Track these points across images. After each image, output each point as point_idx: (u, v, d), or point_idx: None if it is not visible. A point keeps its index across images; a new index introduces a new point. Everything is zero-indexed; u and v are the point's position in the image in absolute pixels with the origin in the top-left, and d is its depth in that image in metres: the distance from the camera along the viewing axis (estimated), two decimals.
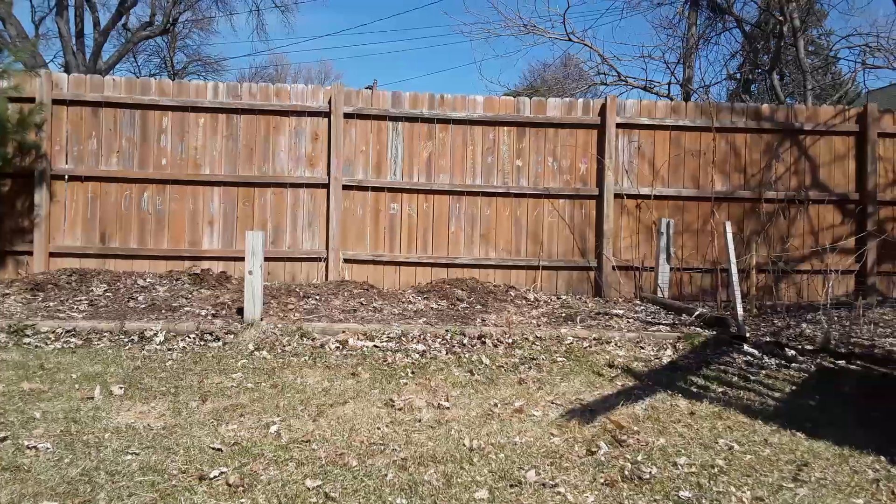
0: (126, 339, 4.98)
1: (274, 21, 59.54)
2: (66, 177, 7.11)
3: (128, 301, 6.11)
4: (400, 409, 3.60)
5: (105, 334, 5.04)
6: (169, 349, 4.80)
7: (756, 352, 5.09)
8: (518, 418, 3.50)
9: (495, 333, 5.27)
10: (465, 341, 5.15)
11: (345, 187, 7.42)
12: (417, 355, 4.81)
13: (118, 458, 2.87)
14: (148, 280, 6.75)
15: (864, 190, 7.75)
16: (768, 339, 5.48)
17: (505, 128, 7.65)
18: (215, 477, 2.72)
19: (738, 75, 18.42)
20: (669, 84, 16.78)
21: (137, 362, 4.41)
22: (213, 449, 2.98)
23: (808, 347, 5.25)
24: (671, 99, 15.77)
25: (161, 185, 7.26)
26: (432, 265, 7.56)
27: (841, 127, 7.86)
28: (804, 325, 5.94)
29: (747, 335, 5.41)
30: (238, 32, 61.03)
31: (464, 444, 3.11)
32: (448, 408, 3.64)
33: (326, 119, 7.44)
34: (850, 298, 7.01)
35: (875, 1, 26.14)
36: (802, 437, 3.34)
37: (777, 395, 4.17)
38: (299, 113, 7.45)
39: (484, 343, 5.12)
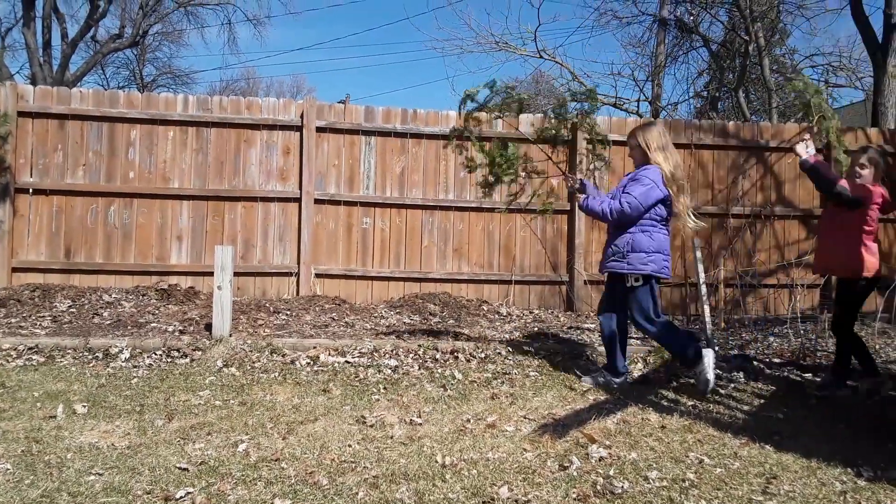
0: (90, 357, 4.87)
1: (246, 34, 59.46)
2: (31, 190, 6.97)
3: (93, 317, 5.98)
4: (371, 426, 3.56)
5: (69, 351, 4.92)
6: (135, 366, 4.70)
7: (725, 365, 5.14)
8: (491, 434, 3.49)
9: (468, 348, 5.26)
10: (437, 356, 5.13)
11: (317, 201, 7.38)
12: (390, 371, 4.78)
13: (81, 479, 2.79)
14: (114, 295, 6.62)
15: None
16: (736, 352, 5.55)
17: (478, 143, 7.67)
18: (181, 497, 2.66)
19: (706, 93, 18.79)
20: (639, 101, 17.08)
21: (102, 380, 4.31)
22: (180, 468, 2.92)
23: (776, 360, 5.32)
24: (640, 116, 16.01)
25: (128, 199, 7.15)
26: (405, 280, 7.54)
27: None
28: (771, 339, 6.03)
29: (716, 348, 5.46)
30: (209, 45, 60.65)
31: (436, 461, 3.08)
32: (420, 424, 3.61)
33: (298, 133, 7.40)
34: (816, 312, 7.14)
35: (836, 22, 26.90)
36: (771, 450, 3.38)
37: (746, 408, 4.22)
38: (271, 126, 7.41)
39: (457, 358, 5.10)
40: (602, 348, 5.41)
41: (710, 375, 4.38)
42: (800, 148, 4.40)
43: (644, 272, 4.30)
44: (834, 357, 4.72)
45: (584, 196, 4.51)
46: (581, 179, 4.66)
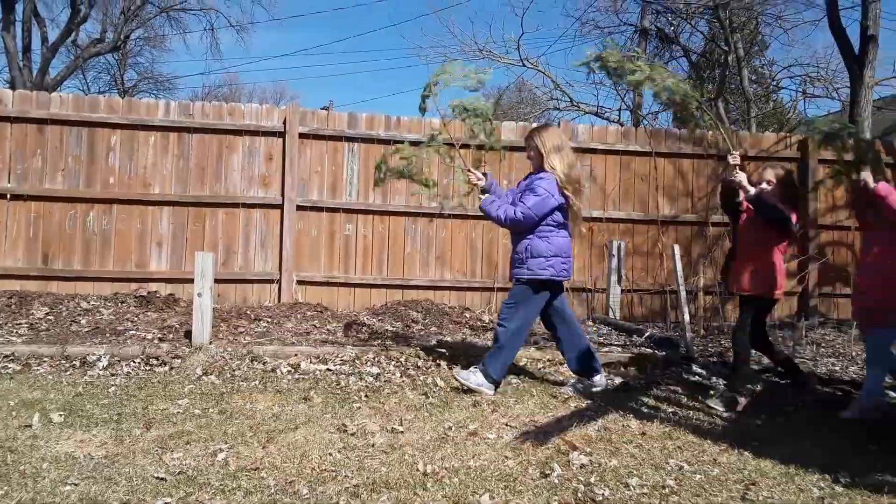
0: (67, 365, 4.81)
1: (229, 40, 59.26)
2: (9, 196, 6.88)
3: (70, 324, 5.91)
4: (353, 435, 3.54)
5: (45, 359, 4.86)
6: (112, 374, 4.65)
7: (704, 372, 5.18)
8: (472, 441, 3.48)
9: (450, 356, 5.25)
10: (419, 363, 5.12)
11: (299, 208, 7.35)
12: (371, 378, 4.76)
13: (56, 489, 2.75)
14: (92, 303, 6.55)
15: (805, 215, 8.02)
16: (716, 359, 5.60)
17: (461, 150, 7.69)
18: None
19: None
20: (620, 110, 17.25)
21: (79, 388, 4.25)
22: (157, 478, 2.88)
23: (755, 367, 5.37)
24: (621, 125, 16.16)
25: (108, 205, 7.08)
26: (387, 287, 7.53)
27: (783, 153, 8.15)
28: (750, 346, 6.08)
29: (696, 356, 5.51)
30: (192, 51, 60.45)
31: (417, 469, 3.07)
32: (402, 432, 3.60)
33: (281, 139, 7.38)
34: (794, 319, 7.22)
35: (814, 33, 27.34)
36: (750, 457, 3.40)
37: (725, 414, 4.25)
38: (253, 132, 7.38)
39: (439, 365, 5.09)
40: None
41: (489, 392, 4.40)
42: (742, 178, 4.36)
43: (542, 277, 4.34)
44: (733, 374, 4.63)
45: (485, 197, 4.53)
46: (490, 181, 4.65)
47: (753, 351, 4.60)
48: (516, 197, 4.45)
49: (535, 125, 4.77)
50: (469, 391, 4.40)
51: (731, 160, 4.40)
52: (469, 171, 4.72)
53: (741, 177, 4.34)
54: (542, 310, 4.56)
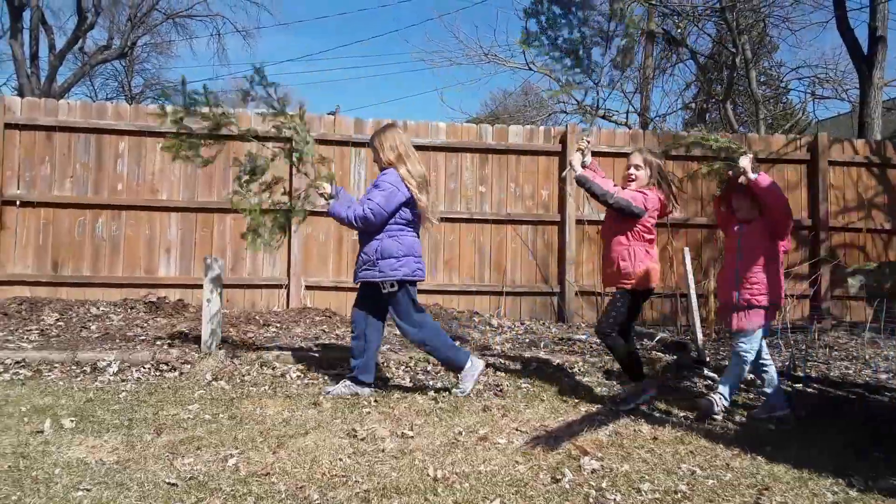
0: (78, 370, 4.82)
1: (235, 45, 59.36)
2: (18, 203, 6.91)
3: (80, 330, 5.92)
4: (363, 439, 3.53)
5: (56, 365, 4.87)
6: (123, 380, 4.66)
7: (716, 376, 5.15)
8: (483, 446, 3.47)
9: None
10: (429, 368, 5.11)
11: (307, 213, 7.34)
12: (380, 382, 4.75)
13: (69, 495, 2.75)
14: (101, 309, 6.57)
15: (816, 217, 7.98)
16: (727, 363, 5.56)
17: (468, 154, 7.71)
18: None
19: (693, 105, 18.93)
20: (627, 113, 17.19)
21: (90, 394, 4.26)
22: (169, 484, 2.88)
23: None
24: (629, 127, 16.12)
25: (116, 211, 7.11)
26: None
27: (793, 156, 8.11)
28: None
29: (708, 359, 5.48)
30: (198, 57, 60.62)
31: (428, 474, 3.06)
32: (412, 437, 3.59)
33: (289, 144, 7.37)
34: (806, 323, 7.17)
35: (822, 35, 27.24)
36: (763, 461, 3.38)
37: (737, 419, 4.22)
38: (261, 138, 7.37)
39: (448, 370, 5.08)
40: (593, 360, 5.41)
41: (469, 385, 4.40)
42: (575, 161, 4.34)
43: (395, 278, 4.27)
44: (621, 367, 4.62)
45: (332, 202, 4.44)
46: (337, 188, 4.59)
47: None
48: (364, 197, 4.37)
49: (380, 127, 4.67)
50: (479, 395, 4.38)
51: (580, 144, 4.38)
52: (311, 180, 4.63)
53: (576, 157, 4.31)
54: (360, 301, 4.49)
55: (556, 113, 17.43)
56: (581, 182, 4.29)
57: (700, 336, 5.60)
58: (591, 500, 2.86)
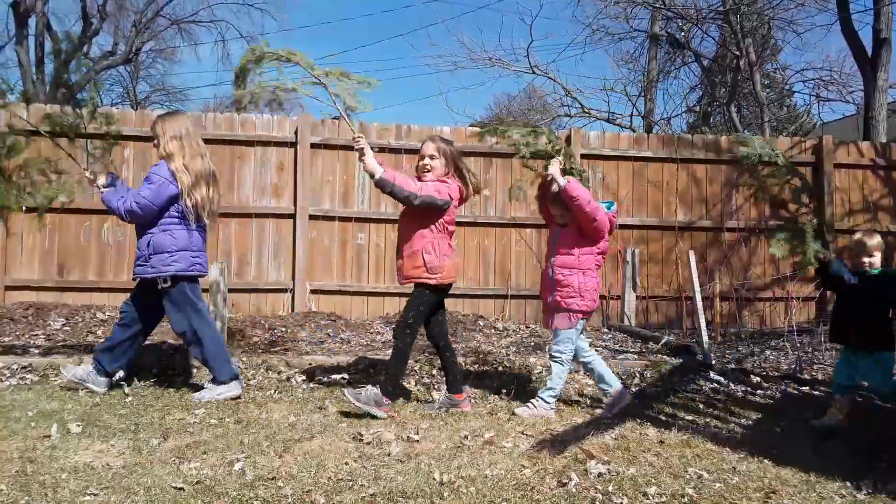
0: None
1: (239, 51, 59.39)
2: (24, 208, 6.92)
3: (86, 335, 5.94)
4: (369, 444, 3.53)
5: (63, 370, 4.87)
6: (129, 385, 4.66)
7: (722, 379, 5.14)
8: (489, 450, 3.46)
9: (464, 363, 5.23)
10: (434, 372, 5.10)
11: (311, 217, 7.37)
12: None
13: (76, 500, 2.75)
14: (108, 313, 6.58)
15: (821, 220, 7.96)
16: (734, 366, 5.55)
17: (472, 158, 7.70)
18: None
19: (698, 108, 18.92)
20: (631, 116, 17.21)
21: (96, 399, 4.27)
22: (175, 488, 2.89)
23: (773, 374, 5.32)
24: (633, 131, 16.13)
25: None
26: (400, 295, 7.52)
27: (797, 158, 8.09)
28: (768, 352, 6.03)
29: (713, 363, 5.47)
30: (203, 62, 60.87)
31: (434, 479, 3.06)
32: (418, 441, 3.59)
33: (293, 149, 7.41)
34: (812, 325, 7.15)
35: (827, 37, 27.24)
36: (770, 465, 3.37)
37: (744, 422, 4.21)
38: (265, 143, 7.42)
39: None
40: None
41: (206, 396, 4.26)
42: (368, 163, 4.06)
43: (167, 273, 4.16)
44: (387, 370, 4.26)
45: (106, 191, 4.28)
46: (111, 174, 4.42)
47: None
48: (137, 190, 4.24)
49: (164, 113, 4.51)
50: (484, 399, 4.38)
51: (356, 145, 4.13)
52: (84, 169, 4.46)
53: (364, 146, 4.08)
54: (135, 294, 4.37)
55: (560, 116, 17.43)
56: (381, 186, 4.02)
57: (705, 339, 5.59)
58: None
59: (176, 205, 4.21)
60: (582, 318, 4.21)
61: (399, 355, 4.13)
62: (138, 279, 4.33)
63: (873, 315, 4.01)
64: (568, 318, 4.15)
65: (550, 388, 4.19)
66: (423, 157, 4.18)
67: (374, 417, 3.92)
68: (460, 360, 5.28)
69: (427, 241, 4.06)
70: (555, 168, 4.13)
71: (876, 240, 4.11)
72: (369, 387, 4.08)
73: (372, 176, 4.05)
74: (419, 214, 4.09)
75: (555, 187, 4.13)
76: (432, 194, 4.01)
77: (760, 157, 4.16)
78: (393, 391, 4.10)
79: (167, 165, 4.19)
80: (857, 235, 4.21)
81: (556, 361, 4.21)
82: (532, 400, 4.19)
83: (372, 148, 4.20)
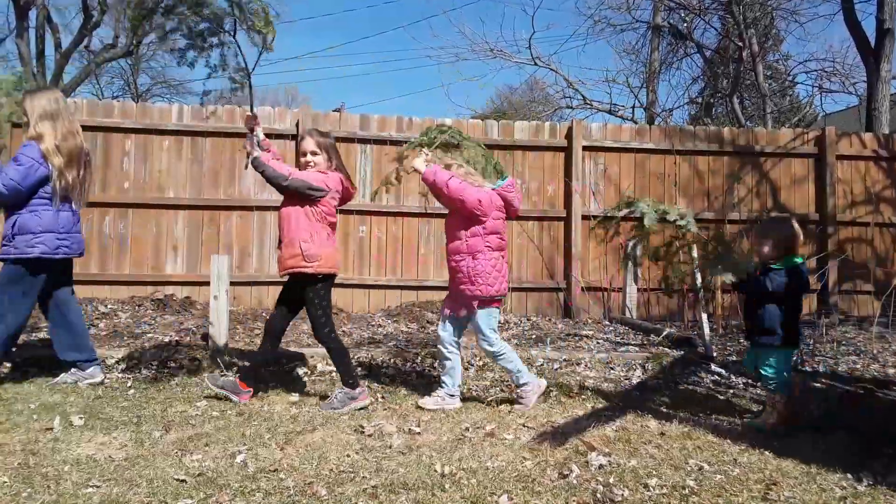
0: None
1: (241, 43, 59.24)
2: None
3: (88, 328, 5.93)
4: (370, 436, 3.54)
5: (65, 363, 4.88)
6: (131, 377, 4.68)
7: (723, 371, 5.14)
8: (490, 442, 3.47)
9: (465, 356, 5.24)
10: (435, 364, 5.11)
11: None
12: (387, 379, 4.76)
13: (78, 492, 2.76)
14: (109, 306, 6.59)
15: (824, 211, 7.95)
16: (735, 358, 5.55)
17: None
18: None
19: (700, 99, 18.87)
20: (633, 108, 17.18)
21: (98, 391, 4.28)
22: (178, 480, 2.90)
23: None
24: (635, 122, 16.08)
25: (123, 209, 7.14)
26: (402, 288, 7.53)
27: (800, 150, 8.07)
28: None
29: (714, 355, 5.47)
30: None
31: (435, 470, 3.06)
32: (419, 433, 3.60)
33: (294, 141, 7.40)
34: (813, 317, 7.15)
35: (829, 28, 27.11)
36: (770, 456, 3.37)
37: (745, 414, 4.21)
38: (266, 135, 7.37)
39: None
40: (600, 355, 5.41)
41: (67, 378, 4.32)
42: (249, 146, 4.10)
43: (31, 255, 4.07)
44: (338, 370, 4.25)
45: None
46: None
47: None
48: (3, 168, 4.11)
49: (34, 89, 4.37)
50: (486, 391, 4.38)
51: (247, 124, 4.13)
52: None
53: (252, 141, 4.09)
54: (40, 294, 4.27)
55: (562, 108, 17.39)
56: (255, 166, 4.04)
57: (707, 331, 5.59)
58: (598, 495, 2.86)
59: (46, 186, 4.11)
60: (492, 306, 4.08)
61: (338, 353, 4.18)
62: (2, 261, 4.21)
63: (769, 308, 3.89)
64: (467, 305, 4.05)
65: (518, 373, 4.16)
66: (304, 154, 4.14)
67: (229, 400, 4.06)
68: (463, 352, 5.29)
69: (304, 230, 4.04)
70: (416, 160, 4.09)
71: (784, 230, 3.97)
72: (337, 391, 4.13)
73: (248, 156, 4.09)
74: (298, 204, 4.04)
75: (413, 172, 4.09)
76: (304, 178, 4.01)
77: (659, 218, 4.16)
78: (354, 382, 4.11)
79: (37, 146, 4.07)
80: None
81: (497, 356, 4.15)
82: (520, 391, 4.17)
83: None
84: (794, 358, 4.14)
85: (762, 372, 3.93)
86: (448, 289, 4.30)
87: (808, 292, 4.10)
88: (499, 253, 4.08)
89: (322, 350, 5.26)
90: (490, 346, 4.13)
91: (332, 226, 4.15)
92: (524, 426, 3.77)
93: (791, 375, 4.05)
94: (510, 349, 4.23)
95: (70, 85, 18.61)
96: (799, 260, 3.93)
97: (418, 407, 4.09)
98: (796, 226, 3.95)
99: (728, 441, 3.60)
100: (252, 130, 4.13)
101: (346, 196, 4.25)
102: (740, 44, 14.70)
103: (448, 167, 4.14)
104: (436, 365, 5.10)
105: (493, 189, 4.10)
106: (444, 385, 4.17)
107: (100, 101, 7.58)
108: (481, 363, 5.14)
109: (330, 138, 4.23)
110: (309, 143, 4.13)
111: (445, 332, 4.16)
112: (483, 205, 3.98)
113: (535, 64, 15.78)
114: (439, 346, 4.21)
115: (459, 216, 4.06)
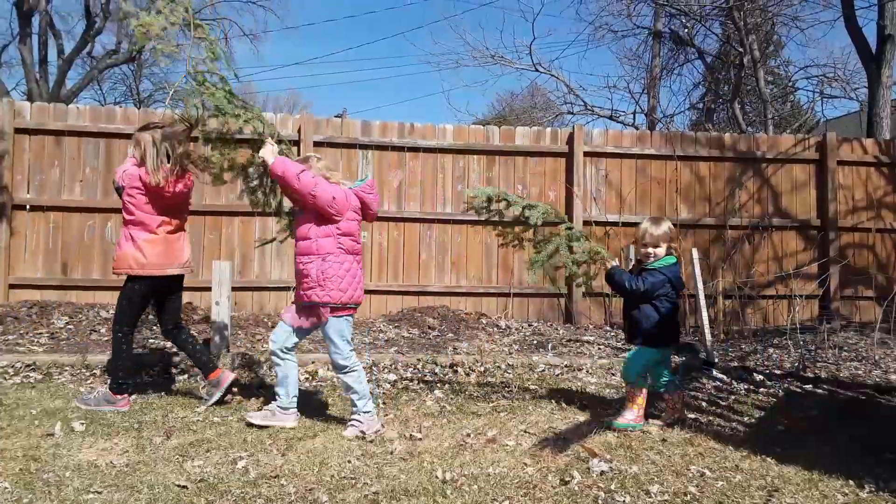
0: (88, 374, 4.85)
1: (242, 49, 59.73)
2: (28, 207, 6.96)
3: (90, 334, 5.95)
4: (371, 442, 3.54)
5: (66, 368, 4.90)
6: (132, 383, 4.67)
7: (725, 377, 5.14)
8: (491, 448, 3.47)
9: (467, 362, 5.24)
10: (437, 370, 5.11)
11: None
12: (388, 385, 4.76)
13: (80, 498, 2.76)
14: (110, 311, 6.59)
15: (825, 217, 7.94)
16: (736, 364, 5.55)
17: (475, 156, 7.71)
18: None
19: (701, 105, 18.88)
20: (634, 113, 17.17)
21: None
22: (179, 486, 2.90)
23: (776, 372, 5.32)
24: (636, 128, 16.09)
25: None
26: (403, 293, 7.53)
27: (801, 155, 8.07)
28: (771, 350, 6.02)
29: (716, 360, 5.46)
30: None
31: (436, 477, 3.06)
32: (420, 439, 3.59)
33: (296, 147, 7.41)
34: (815, 323, 7.14)
35: (830, 33, 27.15)
36: (772, 462, 3.36)
37: (746, 419, 4.21)
38: None
39: (456, 371, 5.09)
40: (602, 361, 5.40)
41: None
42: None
43: None
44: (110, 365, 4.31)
45: None
46: None
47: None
48: None
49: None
50: (487, 397, 4.37)
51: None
52: None
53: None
54: None
55: (563, 114, 17.41)
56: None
57: (709, 337, 5.59)
58: (600, 502, 2.85)
59: None
60: (344, 314, 3.74)
61: (117, 351, 4.15)
62: None
63: (638, 308, 3.91)
64: (316, 312, 3.71)
65: (361, 398, 3.72)
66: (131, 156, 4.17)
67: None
68: (464, 358, 5.29)
69: (122, 231, 4.06)
70: (264, 150, 3.88)
71: (662, 229, 3.91)
72: (99, 389, 4.15)
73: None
74: (123, 204, 4.11)
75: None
76: (117, 179, 4.07)
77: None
78: (121, 385, 4.07)
79: None
80: (643, 223, 3.99)
81: (346, 371, 3.75)
82: (354, 418, 3.71)
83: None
84: (661, 358, 4.01)
85: (623, 365, 3.90)
86: (295, 293, 3.91)
87: (682, 290, 4.08)
88: (353, 257, 3.77)
89: (323, 356, 5.27)
90: (341, 360, 3.73)
91: (140, 224, 4.09)
92: (525, 432, 3.76)
93: (645, 373, 3.93)
94: (361, 369, 3.83)
95: (73, 91, 18.67)
96: (673, 260, 3.94)
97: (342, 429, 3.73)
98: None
99: (730, 447, 3.59)
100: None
101: (148, 189, 4.12)
102: (741, 49, 14.71)
103: (306, 160, 3.89)
104: (437, 370, 5.10)
105: (351, 188, 3.83)
106: (277, 397, 3.84)
107: (102, 107, 7.59)
108: (482, 369, 5.14)
109: (152, 131, 4.10)
110: (133, 140, 4.14)
111: (279, 338, 3.84)
112: (337, 203, 3.68)
113: (537, 70, 15.81)
114: (272, 355, 3.89)
115: (310, 214, 3.72)
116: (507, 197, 4.13)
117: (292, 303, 3.94)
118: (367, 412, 3.71)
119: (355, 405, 3.72)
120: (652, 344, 3.92)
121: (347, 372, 3.76)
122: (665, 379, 4.06)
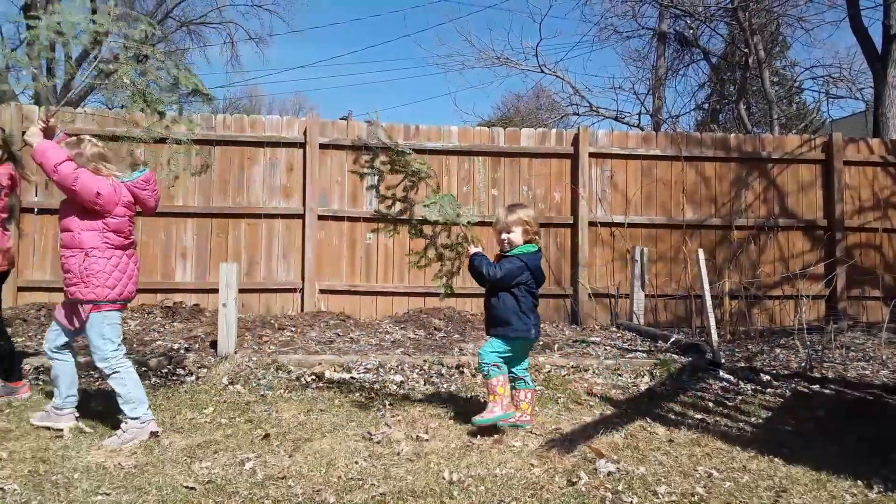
0: (96, 375, 4.86)
1: (248, 52, 59.80)
2: (36, 210, 7.00)
3: None
4: (378, 443, 3.55)
5: None
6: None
7: (732, 377, 5.12)
8: (498, 449, 3.47)
9: (473, 363, 5.24)
10: (443, 371, 5.11)
11: (320, 217, 7.39)
12: (395, 386, 4.77)
13: (88, 499, 2.78)
14: None
15: (831, 217, 7.92)
16: (743, 364, 5.53)
17: (480, 157, 7.72)
18: None
19: (706, 105, 18.84)
20: (640, 114, 17.14)
21: (108, 399, 4.30)
22: (187, 487, 2.91)
23: (783, 372, 5.30)
24: (642, 129, 16.07)
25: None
26: (409, 294, 7.54)
27: (807, 155, 8.05)
28: (778, 350, 6.01)
29: (723, 361, 5.45)
30: (212, 64, 61.15)
31: (443, 478, 3.06)
32: (427, 440, 3.60)
33: (302, 150, 7.44)
34: (822, 323, 7.11)
35: (836, 34, 27.07)
36: (780, 463, 3.36)
37: (754, 420, 4.20)
38: (274, 144, 7.45)
39: (462, 373, 5.09)
40: (608, 362, 5.40)
41: None
42: None
43: None
44: None
45: None
46: None
47: None
48: None
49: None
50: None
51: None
52: None
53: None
54: None
55: (568, 115, 17.40)
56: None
57: (715, 337, 5.58)
58: (607, 502, 2.85)
59: None
60: (109, 310, 3.57)
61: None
62: None
63: (497, 296, 3.86)
64: (77, 310, 3.54)
65: (126, 402, 3.53)
66: None
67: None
68: (470, 359, 5.29)
69: None
70: (29, 132, 3.61)
71: (516, 215, 3.86)
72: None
73: None
74: None
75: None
76: None
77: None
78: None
79: None
80: (498, 210, 3.92)
81: (110, 373, 3.55)
82: (122, 425, 3.53)
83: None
84: (515, 352, 3.84)
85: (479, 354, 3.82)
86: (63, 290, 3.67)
87: (542, 282, 4.05)
88: (122, 252, 3.55)
89: (330, 357, 5.28)
90: (98, 360, 3.54)
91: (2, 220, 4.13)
92: (532, 433, 3.76)
93: (499, 363, 3.77)
94: (131, 370, 3.61)
95: (80, 94, 18.75)
96: (535, 248, 3.90)
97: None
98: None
99: (737, 448, 3.58)
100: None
101: (14, 185, 4.26)
102: (746, 50, 14.69)
103: (78, 143, 3.58)
104: (443, 372, 5.11)
105: (123, 181, 3.59)
106: (55, 397, 3.73)
107: (110, 110, 7.64)
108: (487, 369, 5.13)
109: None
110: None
111: (49, 337, 3.70)
112: (103, 198, 3.43)
113: (542, 71, 15.81)
114: (46, 352, 3.74)
115: (74, 205, 3.47)
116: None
117: (63, 300, 3.69)
118: (135, 419, 3.49)
119: (129, 412, 3.51)
120: (503, 335, 3.79)
121: (109, 374, 3.55)
122: (518, 374, 3.90)
